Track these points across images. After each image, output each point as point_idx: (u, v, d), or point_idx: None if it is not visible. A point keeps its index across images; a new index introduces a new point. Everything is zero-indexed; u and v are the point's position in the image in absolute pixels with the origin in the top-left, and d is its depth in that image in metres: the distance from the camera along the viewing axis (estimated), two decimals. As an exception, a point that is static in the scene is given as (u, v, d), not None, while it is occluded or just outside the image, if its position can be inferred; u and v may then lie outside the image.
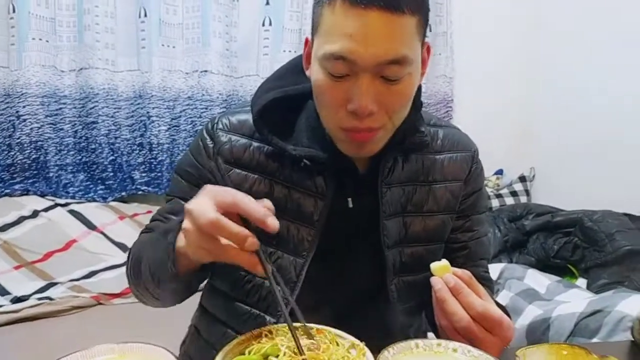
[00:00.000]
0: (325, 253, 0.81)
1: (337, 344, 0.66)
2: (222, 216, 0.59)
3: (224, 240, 0.60)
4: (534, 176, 2.76)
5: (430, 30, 2.64)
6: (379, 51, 0.66)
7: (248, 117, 0.81)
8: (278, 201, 0.80)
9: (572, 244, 1.87)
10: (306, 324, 0.68)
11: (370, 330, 0.67)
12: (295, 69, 0.83)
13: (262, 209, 0.61)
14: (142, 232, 0.88)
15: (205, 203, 0.60)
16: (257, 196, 0.80)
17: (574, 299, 1.49)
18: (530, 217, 2.11)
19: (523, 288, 1.67)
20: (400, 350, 0.64)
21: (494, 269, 1.80)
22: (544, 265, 1.91)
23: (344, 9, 0.66)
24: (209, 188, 0.63)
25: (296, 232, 0.81)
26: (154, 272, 0.74)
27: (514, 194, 2.68)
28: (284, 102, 0.80)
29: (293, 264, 0.81)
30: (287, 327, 0.67)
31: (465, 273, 0.71)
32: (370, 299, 0.86)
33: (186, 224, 0.62)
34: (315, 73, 0.72)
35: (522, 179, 2.74)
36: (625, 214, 1.95)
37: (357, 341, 0.66)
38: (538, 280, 1.73)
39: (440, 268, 0.72)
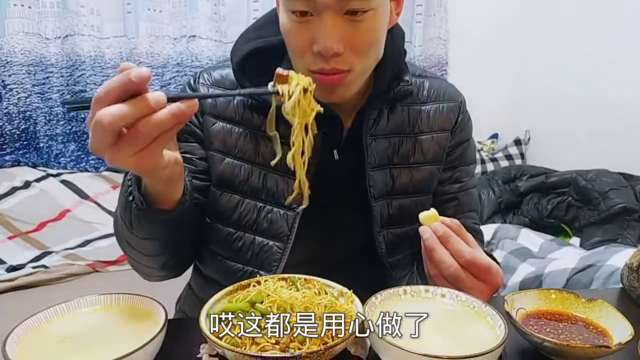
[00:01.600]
0: (315, 206, 0.80)
1: (326, 293, 0.66)
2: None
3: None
4: (529, 139, 2.74)
5: (424, -9, 2.57)
6: None
7: (230, 71, 0.81)
8: (265, 155, 0.79)
9: (565, 204, 1.88)
10: (294, 275, 0.68)
11: (361, 284, 0.66)
12: (273, 18, 0.80)
13: (121, 75, 0.50)
14: None
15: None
16: (244, 150, 0.79)
17: (566, 256, 1.50)
18: (524, 179, 2.10)
19: (516, 247, 1.68)
20: (388, 296, 0.64)
21: (488, 230, 1.80)
22: (538, 226, 1.92)
23: None
24: None
25: (285, 186, 0.79)
26: (124, 215, 0.68)
27: (509, 157, 2.67)
28: (265, 52, 0.78)
29: (284, 218, 0.80)
30: (275, 278, 0.67)
31: (453, 222, 0.71)
32: (361, 253, 0.86)
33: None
34: (281, 17, 0.71)
35: (517, 142, 2.73)
36: (620, 173, 1.95)
37: (345, 289, 0.66)
38: (531, 239, 1.74)
39: (429, 217, 0.72)
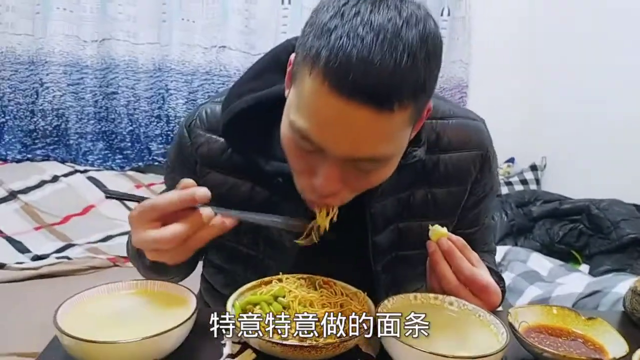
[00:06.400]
0: (310, 254, 0.75)
1: (342, 294, 0.71)
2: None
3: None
4: (545, 165, 2.77)
5: (449, 15, 2.64)
6: (352, 149, 0.58)
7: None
8: (261, 205, 0.77)
9: (577, 231, 1.90)
10: (313, 275, 0.73)
11: None
12: (274, 64, 0.76)
13: (185, 192, 0.60)
14: None
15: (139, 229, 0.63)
16: (237, 199, 0.77)
17: (574, 282, 1.52)
18: (538, 204, 2.13)
19: (525, 270, 1.71)
20: (399, 301, 0.69)
21: (499, 252, 1.83)
22: (548, 251, 1.94)
23: (325, 88, 0.54)
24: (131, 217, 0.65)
25: (279, 237, 0.79)
26: (134, 260, 0.83)
27: (524, 182, 2.69)
28: (259, 107, 0.73)
29: (278, 263, 0.79)
30: (296, 277, 0.72)
31: (459, 240, 0.72)
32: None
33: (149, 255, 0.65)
34: (283, 125, 0.64)
35: (533, 167, 2.75)
36: (634, 205, 1.97)
37: (359, 292, 0.71)
38: (541, 263, 1.77)
39: (438, 233, 0.73)
